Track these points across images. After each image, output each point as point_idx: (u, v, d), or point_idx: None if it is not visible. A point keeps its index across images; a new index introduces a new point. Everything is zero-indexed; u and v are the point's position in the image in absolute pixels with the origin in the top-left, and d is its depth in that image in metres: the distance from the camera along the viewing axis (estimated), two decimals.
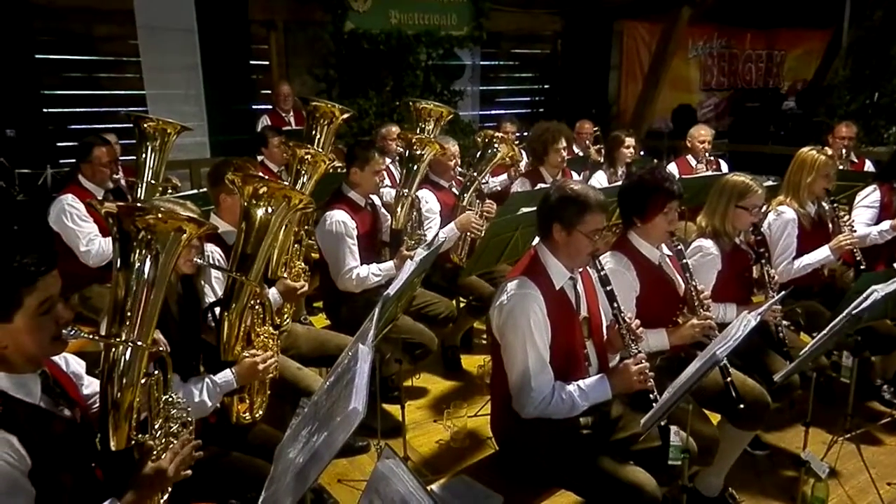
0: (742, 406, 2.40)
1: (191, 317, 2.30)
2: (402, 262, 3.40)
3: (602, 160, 5.41)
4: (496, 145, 4.22)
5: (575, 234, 2.19)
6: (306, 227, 3.43)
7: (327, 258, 3.43)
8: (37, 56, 5.86)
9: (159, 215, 1.64)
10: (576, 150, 5.94)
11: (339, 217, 3.37)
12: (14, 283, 1.41)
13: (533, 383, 2.14)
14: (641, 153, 5.96)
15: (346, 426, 1.22)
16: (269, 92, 6.93)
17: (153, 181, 3.82)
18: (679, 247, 2.59)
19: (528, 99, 9.23)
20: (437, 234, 3.07)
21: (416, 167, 3.73)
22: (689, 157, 5.46)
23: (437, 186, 4.03)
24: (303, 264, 3.03)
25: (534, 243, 2.37)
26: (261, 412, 2.40)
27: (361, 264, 3.40)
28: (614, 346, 2.37)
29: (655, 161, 6.18)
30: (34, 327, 1.44)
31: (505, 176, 5.10)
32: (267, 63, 7.24)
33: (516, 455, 2.30)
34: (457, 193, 4.11)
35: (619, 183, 4.57)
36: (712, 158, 5.48)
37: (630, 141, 5.10)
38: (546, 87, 9.21)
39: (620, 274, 2.50)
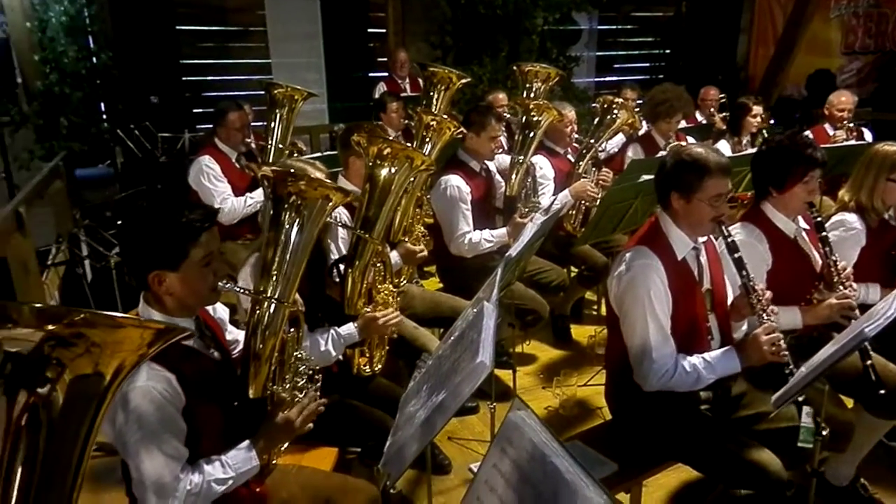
0: (882, 392, 2.22)
1: (317, 272, 2.42)
2: (516, 230, 3.41)
3: (726, 129, 5.12)
4: (615, 111, 4.09)
5: (695, 201, 2.08)
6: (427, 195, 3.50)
7: (441, 222, 3.48)
8: (177, 27, 6.29)
9: (310, 182, 1.74)
10: (699, 117, 5.65)
11: (454, 182, 3.41)
12: (182, 237, 1.55)
13: (654, 355, 2.07)
14: (771, 122, 5.57)
15: (473, 378, 1.26)
16: (385, 60, 7.05)
17: (280, 145, 4.02)
18: (818, 218, 2.41)
19: (647, 65, 8.83)
20: (553, 201, 3.03)
21: (532, 133, 3.69)
22: (826, 125, 5.04)
23: (553, 153, 3.97)
24: (423, 228, 3.10)
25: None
26: (380, 366, 2.49)
27: (474, 230, 3.43)
28: (740, 315, 2.25)
29: (786, 130, 5.76)
30: (197, 278, 1.58)
31: (620, 136, 4.93)
32: (384, 31, 7.36)
33: (631, 426, 2.27)
34: (572, 160, 4.04)
35: (747, 152, 4.34)
36: (852, 126, 5.03)
37: (758, 109, 4.79)
38: (667, 52, 8.76)
39: (751, 246, 2.36)
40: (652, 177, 2.39)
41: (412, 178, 2.43)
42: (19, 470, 0.65)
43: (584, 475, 0.86)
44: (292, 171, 1.89)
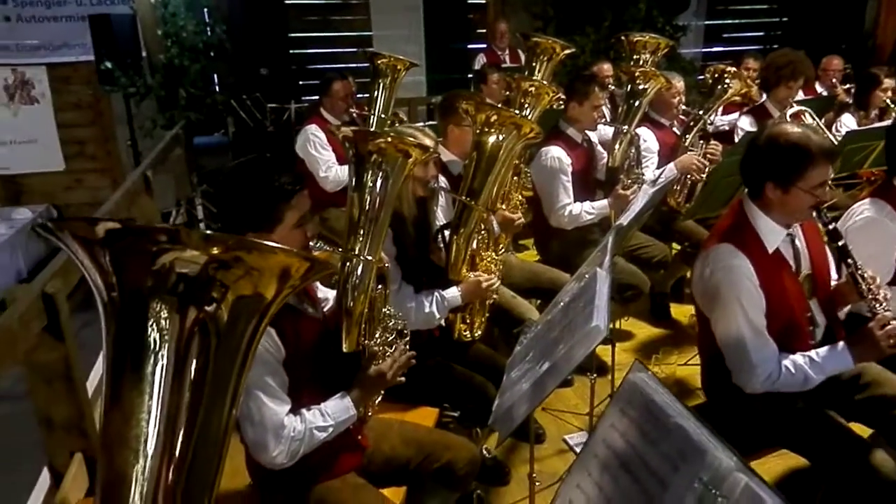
0: None
1: (423, 238, 2.47)
2: (617, 202, 3.34)
3: (850, 102, 4.75)
4: (727, 81, 3.89)
5: (794, 191, 1.84)
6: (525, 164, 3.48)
7: (541, 194, 3.46)
8: (285, 1, 6.50)
9: (389, 140, 1.78)
10: (819, 88, 5.27)
11: (554, 153, 3.37)
12: (276, 200, 1.62)
13: (754, 359, 1.88)
14: None
15: (587, 343, 1.26)
16: (484, 31, 7.01)
17: (383, 115, 4.10)
18: None
19: (761, 34, 8.28)
20: (660, 174, 2.93)
21: (637, 102, 3.57)
22: None
23: (658, 125, 3.84)
24: (520, 196, 3.09)
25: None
26: (479, 332, 2.54)
27: (575, 202, 3.39)
28: (846, 302, 2.07)
29: None
30: (289, 240, 1.63)
31: (736, 114, 4.70)
32: (483, 2, 7.30)
33: (728, 413, 2.14)
34: (678, 133, 3.89)
35: (876, 125, 4.03)
36: None
37: (889, 83, 4.42)
38: (784, 19, 8.19)
39: (880, 224, 2.20)
40: None
41: (521, 145, 2.42)
42: (187, 393, 0.70)
43: (713, 437, 0.85)
44: (372, 129, 1.91)
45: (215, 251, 0.66)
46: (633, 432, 0.96)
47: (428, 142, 2.22)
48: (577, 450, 2.84)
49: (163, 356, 0.69)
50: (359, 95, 4.89)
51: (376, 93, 4.08)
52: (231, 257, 0.67)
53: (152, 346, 0.69)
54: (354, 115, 4.34)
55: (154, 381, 0.69)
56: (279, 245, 0.71)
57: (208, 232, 0.69)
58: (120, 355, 0.70)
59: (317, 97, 4.40)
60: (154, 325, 0.68)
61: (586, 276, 1.61)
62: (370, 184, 1.78)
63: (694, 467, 0.84)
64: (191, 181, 4.55)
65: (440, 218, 2.72)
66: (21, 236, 5.92)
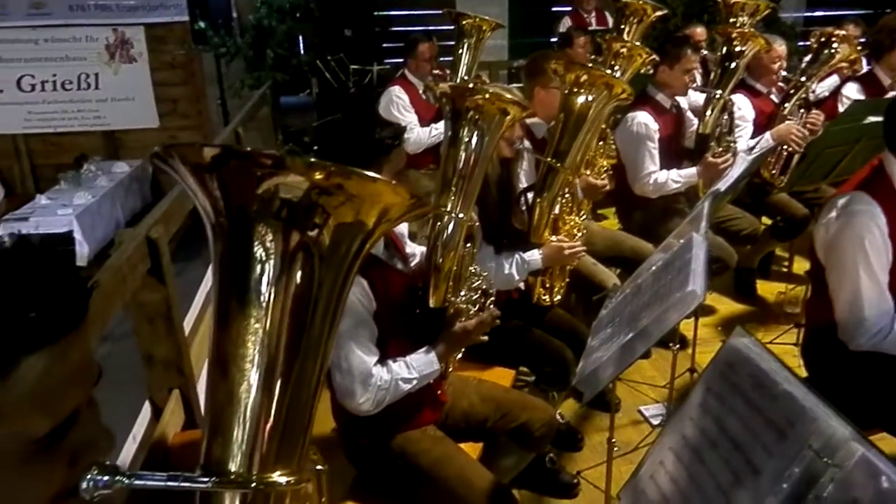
0: None
1: (506, 199, 2.46)
2: (707, 170, 3.21)
3: None
4: (835, 46, 3.63)
5: None
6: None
7: (625, 161, 3.36)
8: None
9: (487, 96, 1.76)
10: None
11: (641, 119, 3.26)
12: (375, 153, 1.65)
13: (866, 312, 1.86)
14: None
15: (683, 307, 1.23)
16: None
17: (466, 76, 4.07)
18: None
19: None
20: (756, 143, 2.80)
21: (734, 65, 3.38)
22: None
23: (754, 92, 3.64)
24: (605, 163, 3.01)
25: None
26: (558, 297, 2.52)
27: (661, 170, 3.28)
28: None
29: None
30: None
31: (832, 79, 4.39)
32: None
33: (830, 388, 2.07)
34: (775, 102, 3.68)
35: None
36: None
37: None
38: None
39: None
40: (879, 119, 2.12)
41: (610, 108, 2.35)
42: (286, 320, 0.71)
43: (824, 405, 0.81)
44: (470, 86, 1.90)
45: (318, 177, 0.67)
46: (735, 398, 0.93)
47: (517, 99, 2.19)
48: (653, 421, 2.80)
49: (268, 279, 0.70)
50: (444, 59, 4.86)
51: (460, 52, 4.05)
52: (333, 184, 0.68)
53: (258, 268, 0.70)
54: (438, 74, 4.32)
55: (260, 303, 0.71)
56: (379, 176, 0.71)
57: (312, 159, 0.70)
58: (228, 277, 0.73)
59: (399, 60, 4.41)
60: (260, 247, 0.70)
61: (681, 240, 1.56)
62: (466, 140, 1.77)
63: (803, 435, 0.81)
64: (276, 140, 4.68)
65: (522, 181, 2.69)
66: (120, 189, 6.27)
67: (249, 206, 0.69)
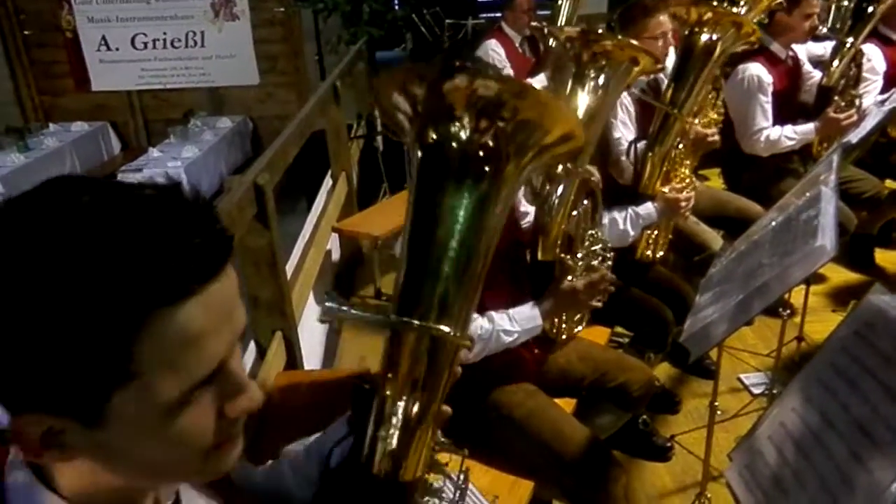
0: None
1: (602, 153, 2.36)
2: (827, 126, 2.96)
3: None
4: None
5: None
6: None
7: (734, 116, 3.15)
8: None
9: (617, 43, 1.67)
10: None
11: (753, 71, 3.02)
12: None
13: None
14: None
15: (810, 263, 1.14)
16: None
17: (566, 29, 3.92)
18: None
19: None
20: (889, 96, 2.54)
21: (871, 9, 3.07)
22: None
23: (889, 42, 3.30)
24: (715, 115, 2.83)
25: None
26: (661, 253, 2.42)
27: (774, 125, 3.06)
28: None
29: None
30: None
31: None
32: None
33: None
34: None
35: None
36: None
37: None
38: None
39: None
40: None
41: (735, 49, 2.18)
42: (461, 212, 0.84)
43: None
44: (599, 31, 1.80)
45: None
46: (874, 358, 0.86)
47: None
48: (754, 390, 2.68)
49: (458, 168, 0.83)
50: (542, 12, 4.71)
51: (559, 2, 3.90)
52: (518, 91, 0.78)
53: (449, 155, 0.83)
54: (535, 27, 4.19)
55: (449, 187, 0.84)
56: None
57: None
58: (424, 164, 0.87)
59: (495, 14, 4.31)
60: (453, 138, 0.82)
61: (803, 197, 1.45)
62: (588, 89, 1.69)
63: None
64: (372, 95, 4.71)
65: (619, 130, 2.56)
66: (223, 144, 6.55)
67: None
